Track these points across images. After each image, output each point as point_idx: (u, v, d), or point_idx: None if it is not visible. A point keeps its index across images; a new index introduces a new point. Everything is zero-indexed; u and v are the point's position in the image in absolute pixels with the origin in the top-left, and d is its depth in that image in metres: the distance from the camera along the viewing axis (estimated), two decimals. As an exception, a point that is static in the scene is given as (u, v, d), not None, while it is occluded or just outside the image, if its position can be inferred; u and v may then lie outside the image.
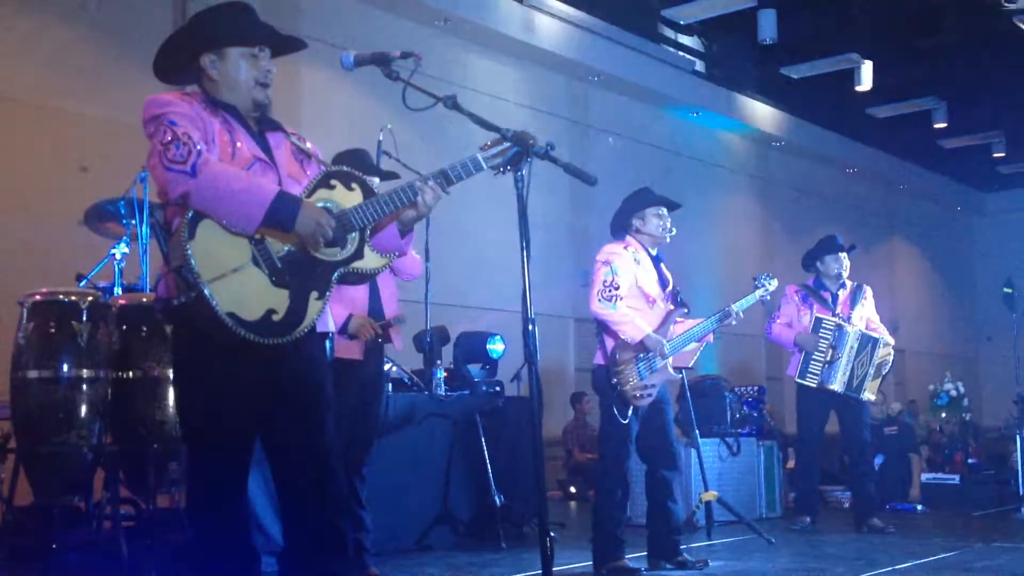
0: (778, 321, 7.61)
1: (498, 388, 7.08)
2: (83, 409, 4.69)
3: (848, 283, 7.62)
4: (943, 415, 11.44)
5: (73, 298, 4.76)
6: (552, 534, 3.10)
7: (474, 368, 7.12)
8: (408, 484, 6.15)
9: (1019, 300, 9.18)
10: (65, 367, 4.67)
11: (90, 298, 4.80)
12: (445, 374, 6.79)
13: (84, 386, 4.69)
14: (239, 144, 3.06)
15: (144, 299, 5.04)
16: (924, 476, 9.68)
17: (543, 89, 11.44)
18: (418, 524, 6.26)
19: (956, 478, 9.53)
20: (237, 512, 3.11)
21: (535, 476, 3.03)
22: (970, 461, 10.46)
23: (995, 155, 16.02)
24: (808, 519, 7.53)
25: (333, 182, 3.11)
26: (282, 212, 2.90)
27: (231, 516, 3.09)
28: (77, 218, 5.90)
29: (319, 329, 3.12)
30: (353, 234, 3.08)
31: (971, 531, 7.49)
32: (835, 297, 7.53)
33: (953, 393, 11.38)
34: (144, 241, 5.51)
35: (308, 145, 3.30)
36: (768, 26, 10.75)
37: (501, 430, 6.89)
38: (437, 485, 6.47)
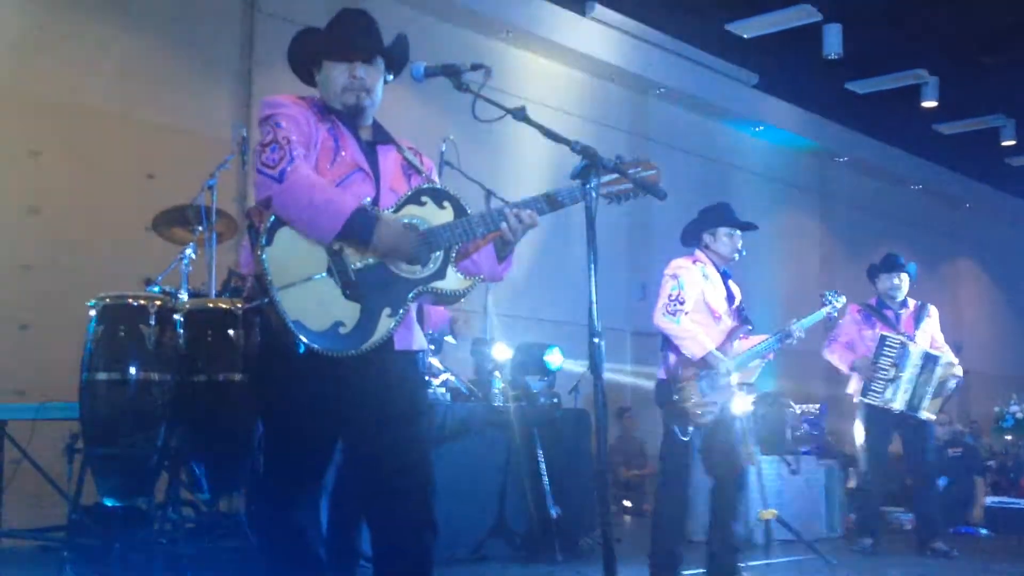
0: (839, 340, 7.52)
1: (556, 400, 7.07)
2: (150, 412, 4.75)
3: (911, 302, 7.51)
4: (1008, 437, 11.21)
5: (142, 302, 4.83)
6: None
7: (532, 379, 7.12)
8: (464, 494, 6.15)
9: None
10: (133, 370, 4.73)
11: (158, 302, 4.87)
12: (503, 385, 6.80)
13: (151, 389, 4.76)
14: (343, 151, 3.07)
15: (210, 304, 5.11)
16: (988, 500, 9.49)
17: (604, 102, 11.42)
18: (474, 535, 6.26)
19: (1022, 502, 9.32)
20: (303, 521, 3.09)
21: (599, 489, 3.01)
22: (1036, 485, 10.22)
23: (1063, 174, 15.72)
24: (869, 540, 7.41)
25: (424, 199, 3.07)
26: (358, 227, 2.88)
27: (296, 525, 3.07)
28: (145, 224, 6.01)
29: (401, 347, 3.06)
30: (437, 253, 3.03)
31: (1036, 557, 7.33)
32: (898, 316, 7.43)
33: (1019, 415, 11.15)
34: (211, 247, 5.59)
35: (424, 161, 3.28)
36: (833, 40, 10.63)
37: (558, 442, 6.87)
38: (493, 496, 6.47)
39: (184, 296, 5.28)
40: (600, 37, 10.89)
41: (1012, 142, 13.95)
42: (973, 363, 16.42)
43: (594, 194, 2.91)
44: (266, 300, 2.86)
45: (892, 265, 7.53)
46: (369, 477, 3.08)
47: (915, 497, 7.67)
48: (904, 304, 7.50)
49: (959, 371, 7.35)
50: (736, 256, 5.49)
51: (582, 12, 10.63)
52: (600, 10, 10.70)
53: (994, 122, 13.66)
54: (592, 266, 2.86)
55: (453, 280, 3.07)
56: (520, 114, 3.03)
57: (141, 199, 6.88)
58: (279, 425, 3.09)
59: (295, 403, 3.00)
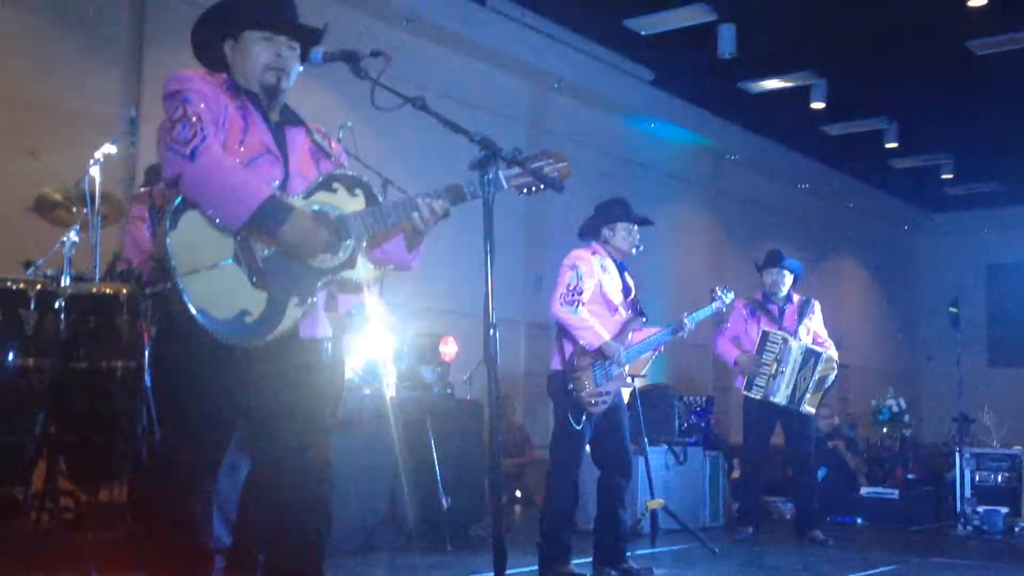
0: (726, 335, 7.73)
1: (449, 391, 7.07)
2: (28, 399, 4.60)
3: (796, 297, 7.73)
4: (884, 430, 11.62)
5: (21, 286, 4.68)
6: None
7: (426, 369, 7.10)
8: (354, 485, 6.10)
9: (963, 320, 9.34)
10: (11, 355, 4.57)
11: (39, 286, 4.71)
12: (396, 375, 6.76)
13: (30, 375, 4.60)
14: (251, 132, 2.99)
15: (94, 289, 4.96)
16: (864, 490, 9.82)
17: (503, 94, 11.44)
18: (364, 525, 6.22)
19: (896, 493, 9.68)
20: (193, 511, 3.03)
21: (491, 479, 3.01)
22: (909, 476, 10.62)
23: (943, 176, 16.30)
24: (750, 529, 7.61)
25: (336, 185, 3.02)
26: (269, 216, 2.82)
27: (187, 515, 3.01)
28: (26, 204, 5.80)
29: (306, 335, 3.01)
30: (348, 241, 2.98)
31: (909, 546, 7.61)
32: (782, 311, 7.63)
33: (895, 409, 11.57)
34: (96, 230, 5.42)
35: (333, 145, 3.23)
36: (728, 40, 10.84)
37: (451, 432, 6.87)
38: (384, 486, 6.43)
39: (66, 280, 5.11)
40: (500, 28, 10.89)
41: (895, 144, 14.43)
42: (852, 358, 17.00)
43: (491, 186, 2.92)
44: (168, 286, 2.78)
45: (774, 260, 7.75)
46: (266, 467, 3.04)
47: (795, 487, 7.89)
48: (789, 299, 7.72)
49: (834, 366, 7.57)
50: (634, 251, 5.57)
51: (482, 2, 10.62)
52: (500, 1, 10.71)
53: (878, 125, 14.11)
54: (488, 257, 2.86)
55: (363, 270, 3.03)
56: (419, 103, 3.02)
57: (23, 178, 6.63)
58: (176, 414, 3.01)
59: (194, 392, 2.93)
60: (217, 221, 2.83)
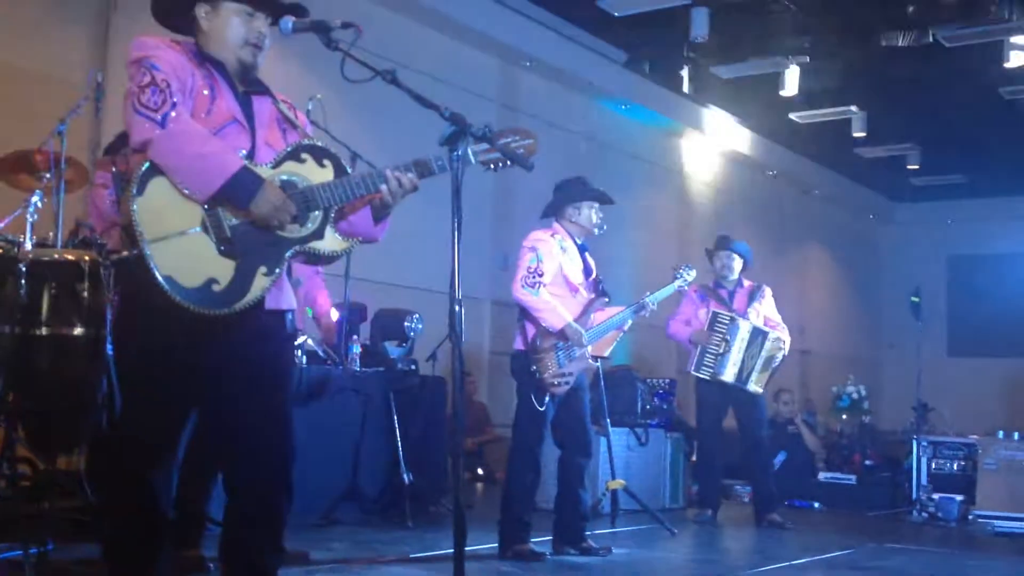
0: (678, 318, 7.85)
1: (413, 367, 7.06)
2: (-15, 364, 4.54)
3: (747, 282, 7.86)
4: (844, 416, 11.75)
5: (-19, 250, 4.61)
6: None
7: (390, 345, 7.09)
8: (316, 458, 6.08)
9: (924, 309, 9.45)
10: (-31, 320, 4.51)
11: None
12: (361, 350, 6.75)
13: (-11, 341, 4.54)
14: (218, 101, 2.95)
15: (56, 255, 4.90)
16: (822, 475, 9.93)
17: (474, 70, 11.39)
18: (325, 499, 6.21)
19: (853, 478, 9.80)
20: (153, 482, 2.99)
21: (452, 456, 3.01)
22: (867, 463, 10.75)
23: (909, 166, 16.43)
24: (709, 511, 7.68)
25: (304, 155, 2.99)
26: (240, 188, 2.80)
27: (147, 485, 2.97)
28: (-11, 167, 5.70)
29: (271, 305, 2.99)
30: (316, 212, 2.96)
31: (865, 530, 7.72)
32: (732, 295, 7.79)
33: (855, 396, 11.70)
34: (59, 196, 5.35)
35: (298, 116, 3.19)
36: (700, 24, 10.84)
37: (414, 409, 6.88)
38: (346, 461, 6.44)
39: (28, 245, 5.04)
40: (472, 4, 10.83)
41: (863, 134, 14.53)
42: (815, 344, 17.18)
43: (460, 162, 2.91)
44: (134, 252, 2.75)
45: (723, 244, 7.92)
46: (228, 438, 3.02)
47: (751, 471, 7.98)
48: (740, 284, 7.86)
49: (786, 347, 7.72)
50: (596, 231, 5.58)
51: (455, -23, 10.55)
52: (474, -23, 10.66)
53: (847, 113, 14.19)
54: (456, 234, 2.85)
55: (331, 241, 3.02)
56: (390, 76, 3.00)
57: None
58: (138, 382, 2.97)
59: (157, 360, 2.90)
60: (186, 191, 2.80)
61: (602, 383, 6.91)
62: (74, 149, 5.59)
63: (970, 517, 8.40)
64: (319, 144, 3.06)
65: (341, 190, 2.96)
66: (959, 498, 8.56)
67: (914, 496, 8.82)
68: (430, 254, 9.56)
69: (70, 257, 4.83)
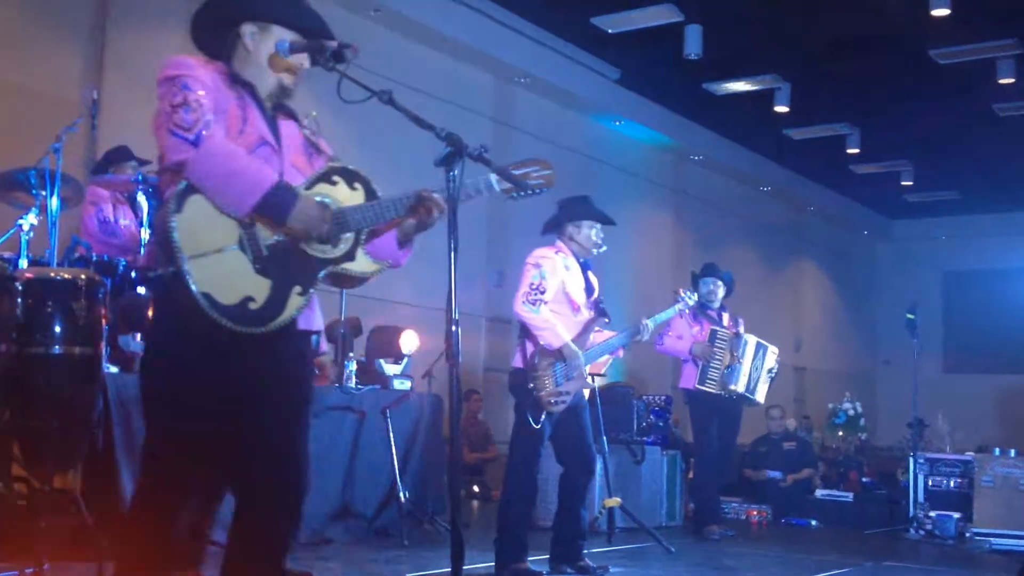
0: (669, 334, 7.91)
1: (409, 384, 7.05)
2: (-19, 382, 4.52)
3: (725, 315, 8.11)
4: (840, 433, 11.75)
5: (-24, 269, 4.59)
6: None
7: (385, 363, 7.08)
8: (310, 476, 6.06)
9: (920, 326, 9.46)
10: (-36, 338, 4.49)
11: (-6, 269, 4.63)
12: (356, 367, 6.73)
13: (-17, 359, 4.52)
14: (250, 123, 2.96)
15: (52, 273, 4.88)
16: (819, 492, 9.92)
17: (469, 87, 11.42)
18: (319, 517, 6.18)
19: (850, 496, 9.78)
20: (182, 500, 2.97)
21: (450, 475, 3.00)
22: (864, 480, 10.74)
23: (903, 183, 16.48)
24: (717, 529, 7.73)
25: (336, 178, 3.00)
26: (277, 202, 2.79)
27: (172, 505, 2.94)
28: (-16, 185, 5.69)
29: (302, 326, 3.00)
30: (348, 235, 2.97)
31: (863, 549, 7.70)
32: (720, 316, 8.05)
33: (851, 412, 11.70)
34: (54, 214, 5.34)
35: (321, 143, 3.19)
36: (694, 42, 10.89)
37: (409, 427, 6.85)
38: (340, 479, 6.40)
39: (24, 263, 5.03)
40: (467, 21, 10.87)
41: (856, 150, 14.58)
42: (810, 360, 17.20)
43: (456, 183, 2.91)
44: (172, 270, 2.74)
45: (710, 271, 8.13)
46: (246, 462, 2.98)
47: (695, 482, 8.19)
48: (723, 308, 8.10)
49: (775, 358, 8.09)
50: (595, 251, 5.59)
51: (450, -6, 10.60)
52: (469, -6, 10.70)
53: (841, 130, 14.25)
54: (453, 253, 2.85)
55: (363, 263, 3.02)
56: (386, 96, 3.00)
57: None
58: (173, 403, 2.91)
59: (195, 382, 2.87)
60: (223, 209, 2.80)
61: (598, 400, 6.90)
62: (70, 166, 5.59)
63: (967, 535, 8.39)
64: (350, 167, 3.06)
65: (372, 212, 2.96)
66: (956, 515, 8.54)
67: (911, 513, 8.81)
68: (425, 271, 9.58)
69: (66, 275, 4.81)
